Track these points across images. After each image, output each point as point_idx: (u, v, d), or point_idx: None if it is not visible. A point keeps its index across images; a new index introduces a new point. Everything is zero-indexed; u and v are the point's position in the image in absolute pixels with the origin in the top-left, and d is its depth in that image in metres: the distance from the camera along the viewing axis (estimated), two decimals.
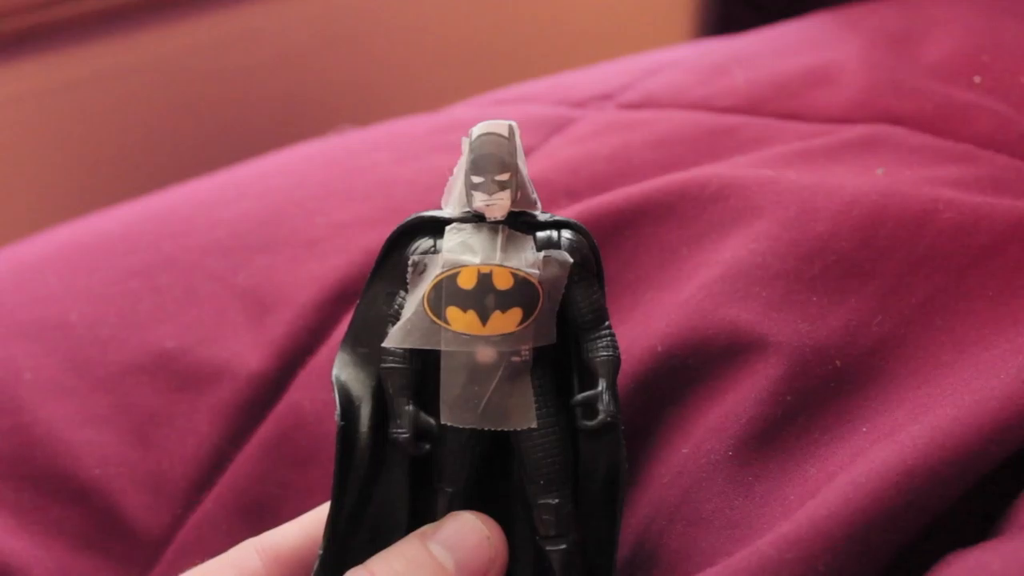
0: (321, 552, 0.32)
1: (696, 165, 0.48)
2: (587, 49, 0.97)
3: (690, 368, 0.39)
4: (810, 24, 0.64)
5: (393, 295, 0.33)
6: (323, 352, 0.45)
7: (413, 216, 0.33)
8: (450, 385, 0.31)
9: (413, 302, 0.32)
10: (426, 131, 0.56)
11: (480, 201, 0.31)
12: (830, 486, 0.34)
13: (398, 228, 0.33)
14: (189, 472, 0.44)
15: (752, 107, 0.53)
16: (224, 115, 0.87)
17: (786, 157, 0.48)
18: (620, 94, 0.56)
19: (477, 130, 0.31)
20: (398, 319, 0.32)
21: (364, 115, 0.71)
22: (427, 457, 0.33)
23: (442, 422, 0.32)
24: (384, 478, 0.33)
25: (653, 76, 0.57)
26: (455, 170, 0.33)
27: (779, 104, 0.53)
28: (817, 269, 0.41)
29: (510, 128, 0.31)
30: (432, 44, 0.92)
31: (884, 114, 0.51)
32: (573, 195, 0.47)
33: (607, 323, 0.33)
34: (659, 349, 0.40)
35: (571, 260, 0.32)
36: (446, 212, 0.33)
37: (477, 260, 0.31)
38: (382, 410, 0.33)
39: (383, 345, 0.32)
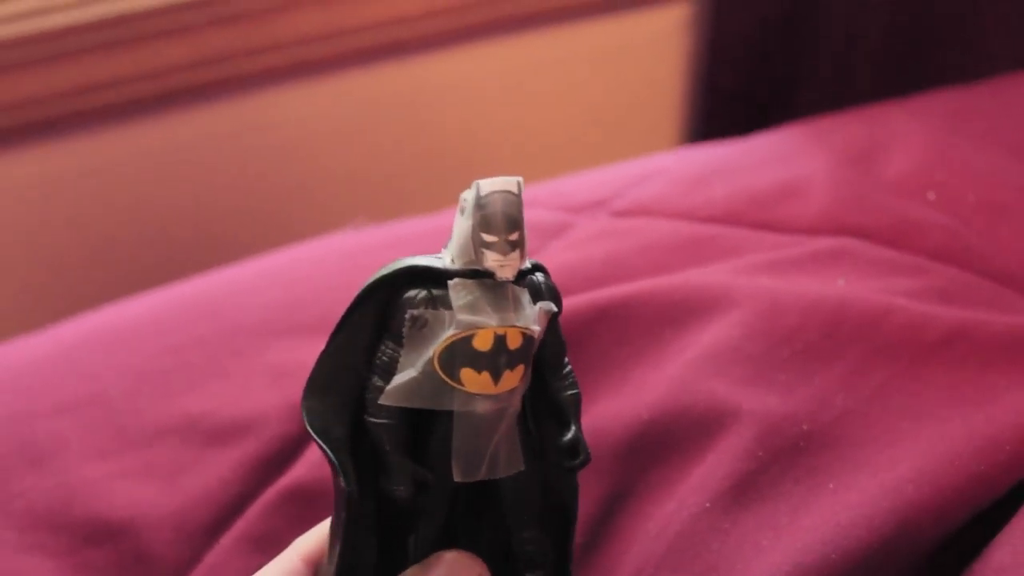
0: None
1: (680, 270, 0.54)
2: (582, 146, 1.02)
3: (674, 433, 0.45)
4: (782, 137, 0.70)
5: (368, 345, 0.31)
6: None
7: (401, 264, 0.31)
8: (462, 443, 0.31)
9: (418, 359, 0.30)
10: (433, 232, 0.61)
11: (493, 261, 0.30)
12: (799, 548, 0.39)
13: (383, 276, 0.31)
14: (211, 513, 0.48)
15: (730, 218, 0.59)
16: (231, 204, 0.92)
17: (758, 267, 0.54)
18: (612, 201, 0.62)
19: (486, 186, 0.30)
20: (387, 371, 0.31)
21: (366, 209, 0.75)
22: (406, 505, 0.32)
23: (456, 479, 0.31)
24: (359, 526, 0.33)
25: (642, 185, 0.63)
26: (456, 221, 0.31)
27: (753, 215, 0.59)
28: (786, 354, 0.48)
29: (518, 184, 0.30)
30: (431, 144, 0.97)
31: (847, 227, 0.58)
32: (570, 293, 0.52)
33: (567, 360, 0.33)
34: (645, 416, 0.46)
35: (555, 310, 0.32)
36: (440, 263, 0.31)
37: (494, 322, 0.30)
38: (357, 462, 0.32)
39: (380, 402, 0.31)
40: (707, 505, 0.42)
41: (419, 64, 0.94)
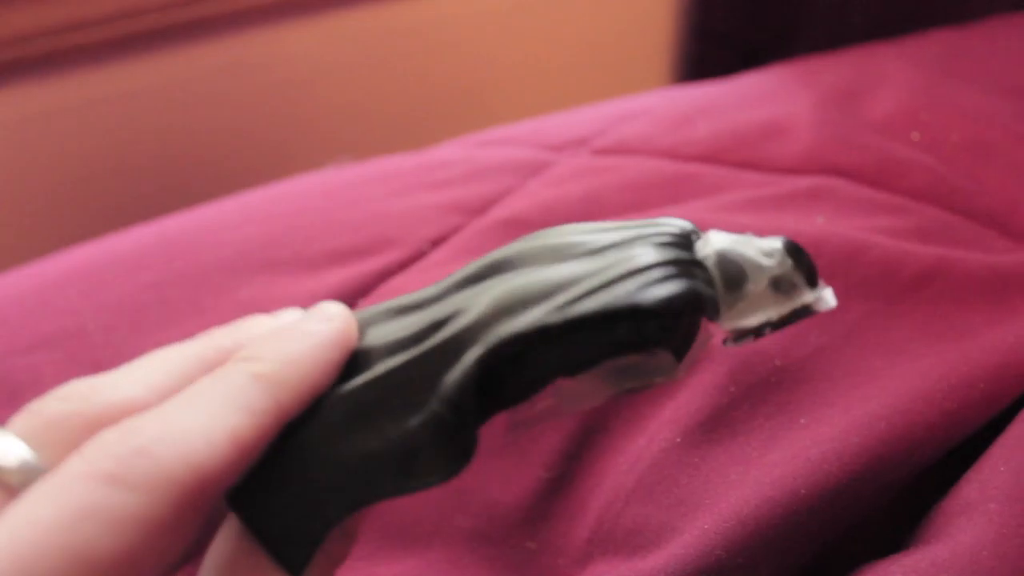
0: None
1: (660, 207, 0.53)
2: (571, 85, 1.02)
3: None
4: (768, 77, 0.70)
5: None
6: None
7: None
8: None
9: None
10: (413, 169, 0.61)
11: None
12: (768, 478, 0.39)
13: None
14: None
15: (712, 156, 0.59)
16: (219, 142, 0.91)
17: (738, 204, 0.53)
18: (594, 140, 0.61)
19: None
20: None
21: (354, 148, 0.75)
22: None
23: None
24: None
25: (625, 123, 0.63)
26: None
27: (736, 154, 0.59)
28: None
29: None
30: (421, 82, 0.96)
31: (829, 167, 0.57)
32: None
33: None
34: None
35: None
36: None
37: None
38: None
39: None
40: (678, 440, 0.42)
41: (410, 2, 0.93)
